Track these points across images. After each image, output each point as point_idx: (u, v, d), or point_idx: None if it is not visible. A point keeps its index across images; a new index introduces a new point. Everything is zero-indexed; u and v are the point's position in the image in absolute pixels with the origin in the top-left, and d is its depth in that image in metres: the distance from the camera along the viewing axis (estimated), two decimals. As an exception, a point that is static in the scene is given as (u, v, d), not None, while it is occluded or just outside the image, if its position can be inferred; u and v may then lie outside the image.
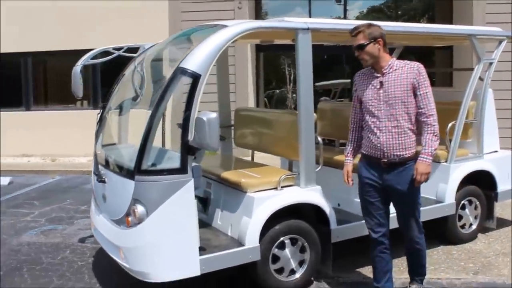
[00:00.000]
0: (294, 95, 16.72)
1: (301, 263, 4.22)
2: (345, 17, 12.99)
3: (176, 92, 3.69)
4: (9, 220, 6.78)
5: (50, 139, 11.38)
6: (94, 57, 5.02)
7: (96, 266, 5.01)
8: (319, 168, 4.31)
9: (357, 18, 14.76)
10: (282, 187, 4.14)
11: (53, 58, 12.23)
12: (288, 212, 4.13)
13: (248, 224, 3.96)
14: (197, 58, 3.63)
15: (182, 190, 3.60)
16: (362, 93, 3.78)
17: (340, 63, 18.70)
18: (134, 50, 5.16)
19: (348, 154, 3.98)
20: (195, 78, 3.59)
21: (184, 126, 3.56)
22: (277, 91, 21.41)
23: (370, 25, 3.65)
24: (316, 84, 10.87)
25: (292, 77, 21.29)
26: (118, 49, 5.17)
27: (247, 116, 5.32)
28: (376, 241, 3.87)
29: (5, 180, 9.25)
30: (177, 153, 3.61)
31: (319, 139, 4.42)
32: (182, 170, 3.60)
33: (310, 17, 12.30)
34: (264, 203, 4.01)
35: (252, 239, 3.93)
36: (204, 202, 4.62)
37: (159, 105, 3.64)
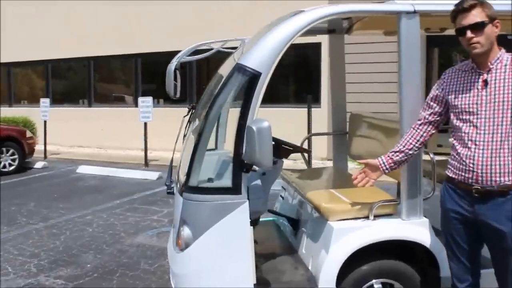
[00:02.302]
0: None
1: (398, 317, 3.26)
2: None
3: (234, 94, 3.05)
4: (136, 218, 6.84)
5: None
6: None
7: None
8: (431, 195, 3.29)
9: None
10: (375, 216, 3.23)
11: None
12: (382, 249, 3.21)
13: (324, 260, 3.15)
14: (258, 53, 2.95)
15: (233, 213, 2.95)
16: (455, 94, 2.73)
17: None
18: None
19: (385, 160, 3.02)
20: (253, 77, 2.91)
21: (237, 137, 2.92)
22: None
23: (484, 2, 2.58)
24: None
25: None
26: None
27: (362, 122, 4.42)
28: None
29: (154, 175, 9.57)
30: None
31: (431, 155, 3.38)
32: (234, 190, 2.95)
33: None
34: (347, 235, 3.15)
35: (327, 280, 3.11)
36: (295, 224, 3.91)
37: (210, 111, 3.04)
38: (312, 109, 8.02)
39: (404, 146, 2.98)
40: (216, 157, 3.27)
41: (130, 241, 5.84)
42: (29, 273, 4.92)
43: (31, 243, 5.82)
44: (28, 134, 10.77)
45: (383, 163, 3.01)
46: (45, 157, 11.98)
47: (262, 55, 2.93)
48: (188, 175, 3.07)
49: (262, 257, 3.66)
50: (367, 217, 3.22)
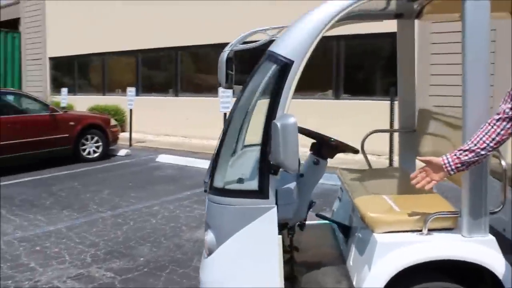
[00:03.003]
0: None
1: None
2: None
3: (265, 86, 2.70)
4: (202, 211, 6.69)
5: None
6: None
7: None
8: (500, 208, 2.74)
9: None
10: (430, 230, 2.74)
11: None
12: (437, 270, 2.73)
13: (366, 277, 2.72)
14: (291, 40, 2.58)
15: (259, 220, 2.62)
16: None
17: None
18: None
19: (451, 159, 2.51)
20: (285, 65, 2.55)
21: (264, 134, 2.57)
22: None
23: None
24: None
25: None
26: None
27: (433, 119, 3.86)
28: None
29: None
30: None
31: (503, 162, 2.81)
32: (260, 193, 2.62)
33: None
34: (393, 251, 2.70)
35: (367, 301, 2.69)
36: (346, 232, 3.49)
37: (237, 105, 2.72)
38: (387, 102, 7.45)
39: (475, 145, 2.45)
40: (247, 156, 2.95)
41: (189, 235, 5.69)
42: (83, 263, 4.91)
43: (94, 232, 5.86)
44: (112, 122, 11.07)
45: (448, 162, 2.51)
46: (130, 145, 12.29)
47: (295, 42, 2.56)
48: (212, 174, 2.78)
49: (304, 267, 3.30)
50: (419, 231, 2.75)
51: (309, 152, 3.16)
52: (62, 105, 13.12)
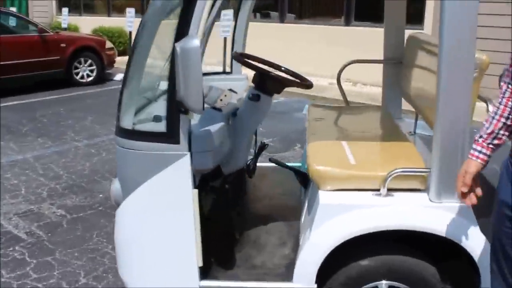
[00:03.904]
0: None
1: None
2: None
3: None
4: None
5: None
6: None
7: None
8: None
9: None
10: (390, 190, 2.16)
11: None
12: (397, 240, 2.18)
13: (305, 243, 2.19)
14: None
15: (170, 169, 2.08)
16: None
17: None
18: None
19: (482, 140, 1.81)
20: None
21: (172, 63, 1.97)
22: None
23: None
24: None
25: None
26: None
27: (424, 49, 3.15)
28: None
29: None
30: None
31: (490, 108, 2.16)
32: (169, 137, 2.05)
33: None
34: (340, 215, 2.14)
35: (303, 275, 2.17)
36: (306, 181, 2.92)
37: (146, 20, 2.10)
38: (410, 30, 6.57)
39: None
40: (160, 91, 2.37)
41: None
42: (37, 198, 4.51)
43: (62, 163, 5.43)
44: (108, 44, 10.43)
45: (482, 153, 1.82)
46: (130, 69, 11.71)
47: None
48: (118, 112, 2.22)
49: (250, 222, 2.79)
50: (377, 190, 2.17)
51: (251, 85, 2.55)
52: (63, 26, 12.47)
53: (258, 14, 11.76)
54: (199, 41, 1.77)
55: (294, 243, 2.56)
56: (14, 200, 4.46)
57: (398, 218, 2.10)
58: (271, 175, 3.41)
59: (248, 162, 2.83)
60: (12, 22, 9.35)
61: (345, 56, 3.48)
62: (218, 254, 2.42)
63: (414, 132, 3.18)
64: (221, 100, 2.24)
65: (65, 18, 12.79)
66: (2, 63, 8.62)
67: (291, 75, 2.67)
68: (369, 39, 9.46)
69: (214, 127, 2.22)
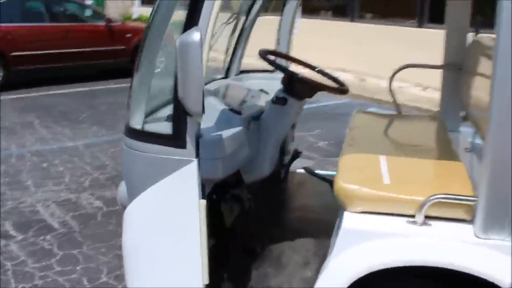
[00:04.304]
0: None
1: None
2: None
3: None
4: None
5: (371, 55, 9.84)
6: None
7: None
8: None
9: None
10: (428, 218, 1.85)
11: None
12: (430, 274, 1.86)
13: (324, 271, 1.92)
14: None
15: (175, 176, 1.87)
16: None
17: None
18: None
19: None
20: None
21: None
22: None
23: None
24: None
25: None
26: None
27: (483, 54, 2.75)
28: None
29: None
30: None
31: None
32: (175, 140, 1.84)
33: None
34: (367, 242, 1.85)
35: (319, 306, 1.91)
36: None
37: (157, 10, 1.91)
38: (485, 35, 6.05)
39: None
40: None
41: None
42: (79, 187, 4.49)
43: (111, 153, 5.41)
44: (174, 36, 10.46)
45: None
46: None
47: None
48: (128, 112, 2.05)
49: (276, 235, 2.55)
50: (411, 217, 1.86)
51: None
52: (134, 17, 12.73)
53: (329, 12, 11.43)
54: (199, 35, 1.54)
55: (319, 265, 2.29)
56: (57, 187, 4.46)
57: (434, 252, 1.79)
58: (310, 185, 3.15)
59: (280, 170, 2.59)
60: (79, 10, 9.56)
61: (416, 59, 3.16)
62: (232, 269, 2.20)
63: (472, 149, 2.80)
64: (245, 101, 2.01)
65: (136, 10, 13.06)
66: (69, 50, 8.82)
67: (327, 78, 2.39)
68: (442, 42, 8.85)
69: (227, 132, 1.99)
